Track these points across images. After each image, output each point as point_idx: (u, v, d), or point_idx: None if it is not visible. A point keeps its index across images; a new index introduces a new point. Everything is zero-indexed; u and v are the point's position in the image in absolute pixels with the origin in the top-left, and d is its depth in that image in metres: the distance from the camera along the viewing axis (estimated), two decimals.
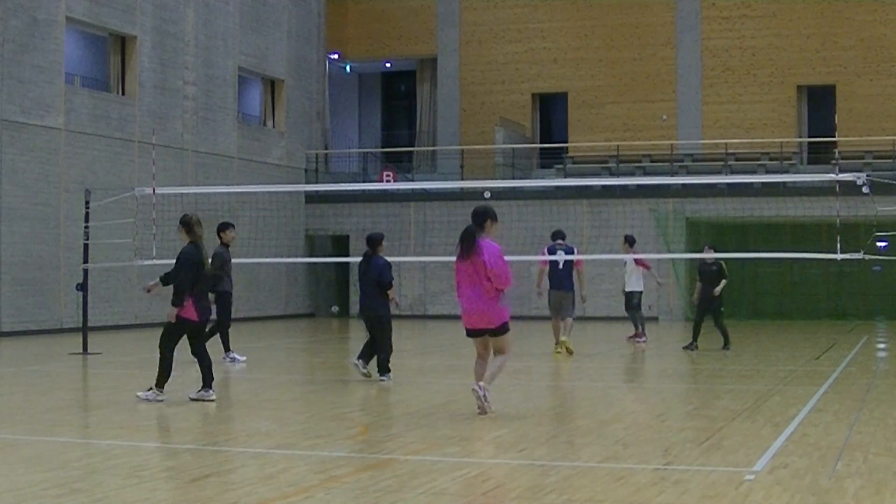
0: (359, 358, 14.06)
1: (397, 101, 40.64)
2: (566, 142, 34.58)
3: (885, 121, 32.01)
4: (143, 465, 8.06)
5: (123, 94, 26.76)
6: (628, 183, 30.12)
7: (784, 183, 29.15)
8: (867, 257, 17.59)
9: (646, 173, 31.89)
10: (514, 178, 31.75)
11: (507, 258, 11.00)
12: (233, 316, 17.81)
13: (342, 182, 32.26)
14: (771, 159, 31.61)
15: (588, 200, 30.49)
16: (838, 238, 16.95)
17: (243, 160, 30.39)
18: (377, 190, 30.53)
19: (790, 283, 32.30)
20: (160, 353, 11.86)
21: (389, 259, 14.31)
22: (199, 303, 11.78)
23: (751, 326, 25.80)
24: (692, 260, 28.01)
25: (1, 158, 23.09)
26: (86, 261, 19.36)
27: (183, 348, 12.11)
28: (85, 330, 18.91)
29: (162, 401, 11.70)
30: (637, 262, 21.43)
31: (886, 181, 22.74)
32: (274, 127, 32.57)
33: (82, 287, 19.63)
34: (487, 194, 28.98)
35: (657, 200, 30.01)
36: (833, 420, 10.41)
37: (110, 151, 25.80)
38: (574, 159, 33.62)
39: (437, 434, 9.60)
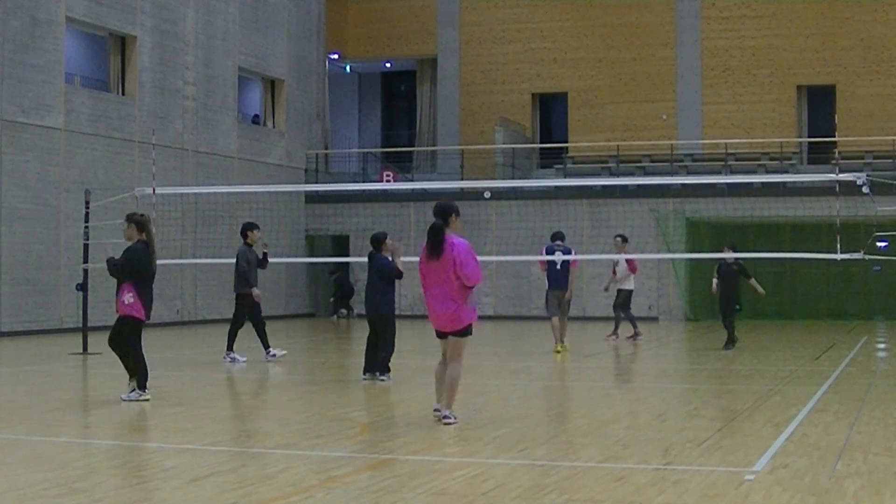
0: (365, 372, 14.09)
1: (397, 101, 40.66)
2: (566, 142, 34.58)
3: (885, 121, 32.02)
4: (143, 465, 8.06)
5: (123, 94, 26.76)
6: (628, 183, 30.12)
7: (784, 183, 29.15)
8: (867, 257, 17.60)
9: (646, 173, 31.89)
10: (514, 178, 31.75)
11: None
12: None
13: (342, 182, 32.26)
14: (771, 159, 31.62)
15: (588, 200, 30.49)
16: (838, 238, 16.95)
17: (243, 160, 30.39)
18: (377, 190, 30.52)
19: (790, 283, 32.30)
20: (133, 355, 11.96)
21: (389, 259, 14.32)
22: (147, 302, 12.04)
23: (751, 326, 25.78)
24: (701, 260, 28.07)
25: (1, 158, 23.08)
26: (86, 261, 19.36)
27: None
28: (85, 330, 18.92)
29: (147, 400, 11.73)
30: (628, 262, 21.53)
31: (886, 181, 22.76)
32: (274, 127, 32.57)
33: (82, 287, 19.63)
34: (487, 194, 29.04)
35: (657, 200, 30.01)
36: (833, 420, 10.41)
37: (110, 151, 25.80)
38: (574, 159, 33.63)
39: (437, 434, 9.60)
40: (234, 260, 17.52)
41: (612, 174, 31.69)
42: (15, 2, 23.33)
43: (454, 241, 10.01)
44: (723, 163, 31.86)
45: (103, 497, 6.98)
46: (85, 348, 18.44)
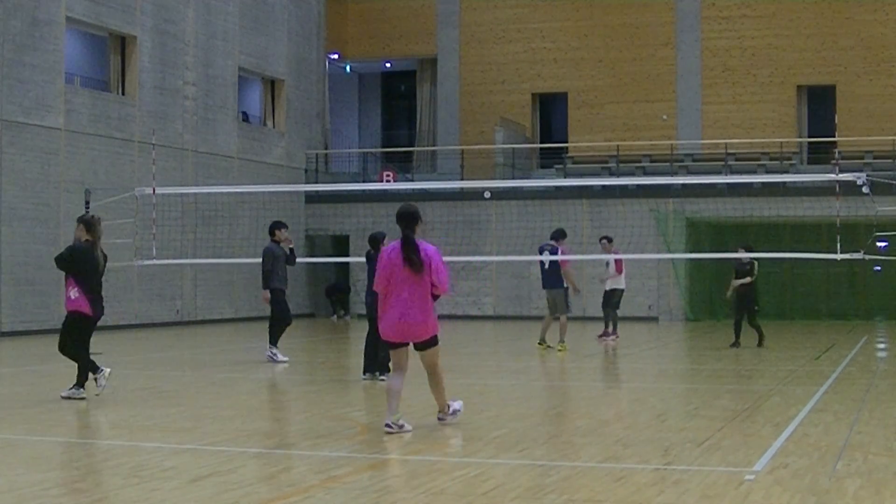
0: (365, 372, 14.09)
1: (397, 101, 40.65)
2: (566, 142, 34.58)
3: (885, 121, 32.02)
4: (143, 465, 8.06)
5: (123, 94, 26.77)
6: (628, 183, 30.12)
7: (784, 183, 29.15)
8: (867, 257, 17.62)
9: (646, 173, 31.88)
10: (514, 178, 31.75)
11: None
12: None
13: (342, 182, 32.26)
14: (771, 159, 31.62)
15: (588, 200, 30.50)
16: (838, 238, 16.96)
17: (243, 160, 30.39)
18: (377, 190, 30.51)
19: (790, 283, 32.29)
20: (79, 353, 12.09)
21: None
22: (93, 299, 12.28)
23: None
24: (700, 260, 28.09)
25: (1, 158, 23.09)
26: None
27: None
28: None
29: (83, 399, 11.89)
30: (616, 262, 21.59)
31: (886, 181, 22.76)
32: (274, 127, 32.57)
33: None
34: (487, 194, 29.05)
35: (657, 200, 30.01)
36: (833, 420, 10.41)
37: (110, 151, 25.80)
38: (574, 159, 33.63)
39: (437, 434, 9.60)
40: (233, 260, 17.53)
41: (612, 174, 31.69)
42: (15, 2, 23.33)
43: (427, 248, 9.72)
44: (723, 163, 31.87)
45: (103, 497, 6.98)
46: None
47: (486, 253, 29.89)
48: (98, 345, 19.45)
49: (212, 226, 28.16)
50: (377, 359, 13.99)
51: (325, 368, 17.32)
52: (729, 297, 20.01)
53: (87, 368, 12.21)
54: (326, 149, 35.33)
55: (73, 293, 12.22)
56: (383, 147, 38.03)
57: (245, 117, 33.42)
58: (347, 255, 30.93)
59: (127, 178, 25.48)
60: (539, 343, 19.05)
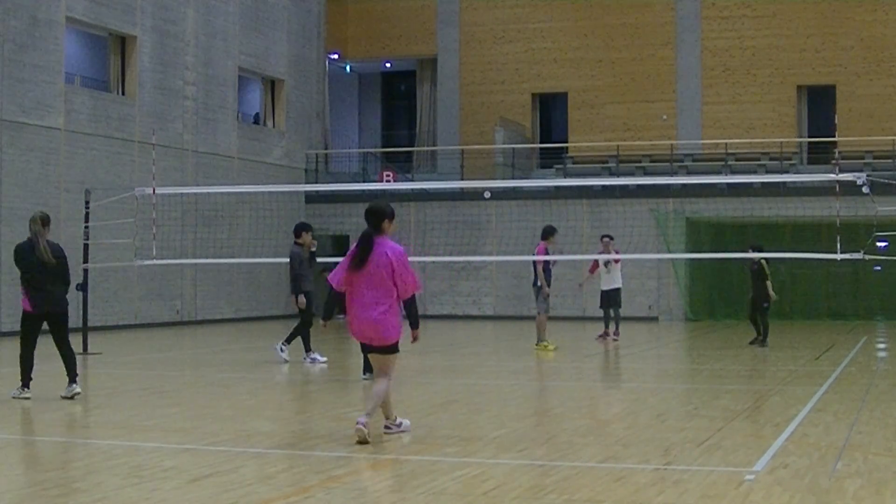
0: (365, 372, 14.08)
1: (397, 101, 40.65)
2: (566, 142, 34.58)
3: (885, 121, 32.02)
4: (143, 465, 8.06)
5: (123, 94, 26.77)
6: (628, 183, 30.12)
7: (784, 183, 29.15)
8: (867, 257, 17.59)
9: (646, 173, 31.88)
10: (514, 178, 31.75)
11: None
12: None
13: (342, 182, 32.24)
14: (771, 159, 31.62)
15: (588, 200, 30.50)
16: (838, 238, 16.95)
17: (243, 160, 30.39)
18: (377, 190, 30.46)
19: (790, 283, 32.29)
20: (21, 349, 12.25)
21: None
22: (32, 295, 12.22)
23: (751, 325, 25.75)
24: (700, 260, 28.10)
25: (1, 158, 23.09)
26: (86, 261, 19.36)
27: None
28: (85, 330, 18.91)
29: (28, 398, 11.92)
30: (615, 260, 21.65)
31: (886, 181, 22.75)
32: (274, 127, 32.57)
33: (82, 287, 19.61)
34: (487, 194, 29.03)
35: (657, 200, 30.02)
36: (833, 420, 10.41)
37: (110, 151, 25.81)
38: (574, 159, 33.63)
39: (437, 434, 9.60)
40: (233, 260, 17.49)
41: (612, 174, 31.69)
42: (15, 2, 23.33)
43: (388, 248, 9.16)
44: (723, 163, 31.87)
45: (103, 497, 6.98)
46: (85, 348, 18.43)
47: (486, 253, 29.89)
48: (98, 345, 19.48)
49: (212, 226, 28.16)
50: None
51: (325, 369, 17.31)
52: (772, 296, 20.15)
53: (28, 367, 12.15)
54: (326, 149, 35.34)
55: (22, 291, 12.28)
56: (383, 147, 38.03)
57: (255, 119, 33.45)
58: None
59: (127, 178, 25.48)
60: (536, 344, 19.02)
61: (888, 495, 7.00)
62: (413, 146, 36.80)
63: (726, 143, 32.34)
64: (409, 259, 9.35)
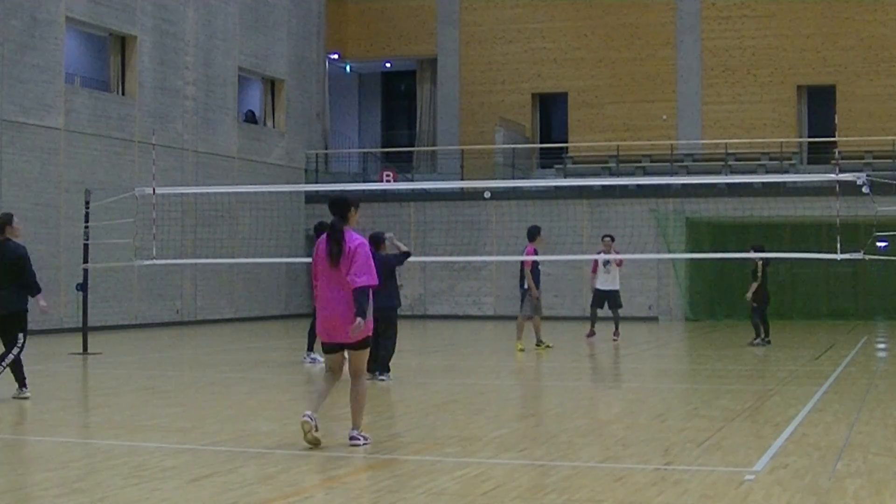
0: (370, 371, 14.07)
1: (397, 101, 40.64)
2: (566, 142, 34.57)
3: (885, 121, 32.01)
4: (143, 465, 8.06)
5: (123, 94, 26.77)
6: (628, 183, 30.11)
7: (784, 183, 29.14)
8: (867, 257, 17.59)
9: (646, 173, 31.88)
10: (514, 178, 31.75)
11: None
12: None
13: (342, 182, 32.22)
14: (771, 159, 31.62)
15: (588, 200, 30.49)
16: (838, 238, 16.95)
17: (243, 160, 30.40)
18: (377, 190, 30.51)
19: (790, 283, 32.29)
20: None
21: None
22: None
23: (751, 326, 25.76)
24: (700, 260, 28.09)
25: (1, 158, 23.09)
26: (86, 261, 19.35)
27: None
28: (85, 330, 18.91)
29: (27, 398, 11.98)
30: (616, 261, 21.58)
31: (886, 181, 22.74)
32: (274, 127, 32.57)
33: (82, 287, 19.63)
34: (487, 194, 29.04)
35: (657, 200, 30.01)
36: (833, 420, 10.41)
37: (110, 151, 25.81)
38: (574, 159, 33.63)
39: (437, 434, 9.60)
40: (233, 260, 17.44)
41: (612, 174, 31.69)
42: (15, 2, 23.33)
43: (352, 240, 8.86)
44: (723, 163, 31.87)
45: (103, 497, 6.98)
46: (85, 348, 18.44)
47: (486, 253, 29.88)
48: (98, 345, 19.48)
49: (212, 226, 28.15)
50: (377, 358, 13.99)
51: (325, 368, 17.29)
52: (747, 297, 20.25)
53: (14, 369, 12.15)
54: (326, 149, 35.34)
55: None
56: (383, 147, 38.02)
57: (247, 116, 33.42)
58: None
59: (127, 178, 25.48)
60: (537, 345, 18.99)
61: (888, 495, 7.01)
62: (413, 146, 36.80)
63: (726, 143, 32.34)
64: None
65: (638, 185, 30.09)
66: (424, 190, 30.39)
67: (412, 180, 33.24)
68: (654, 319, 29.86)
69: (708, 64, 33.89)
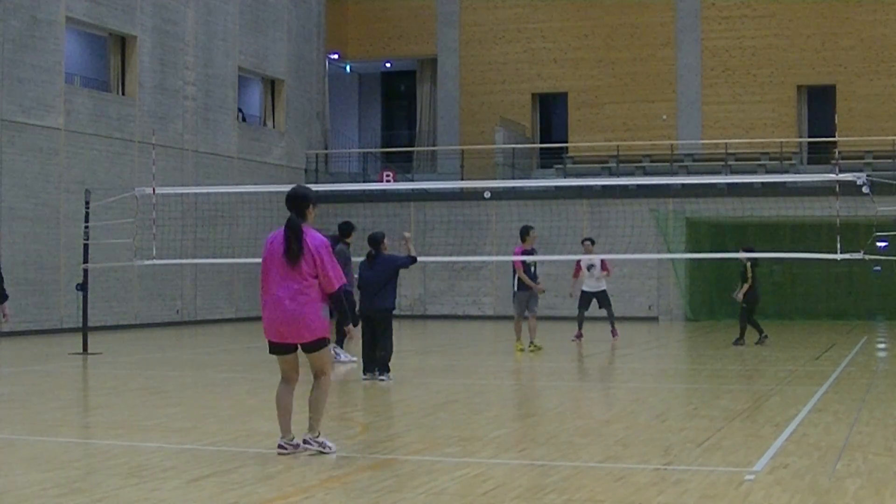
0: (366, 372, 14.07)
1: (397, 101, 40.65)
2: (566, 142, 34.58)
3: (885, 121, 32.02)
4: (143, 465, 8.06)
5: (123, 94, 26.77)
6: (628, 183, 30.12)
7: (784, 183, 29.14)
8: (867, 257, 17.59)
9: (646, 173, 31.88)
10: (514, 178, 31.75)
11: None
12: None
13: (342, 182, 32.24)
14: (771, 159, 31.62)
15: (588, 200, 30.49)
16: (838, 238, 16.95)
17: (243, 160, 30.40)
18: (377, 190, 30.51)
19: (790, 283, 32.29)
20: None
21: None
22: None
23: (751, 326, 25.76)
24: (700, 259, 28.10)
25: (1, 158, 23.09)
26: (86, 261, 19.35)
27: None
28: (85, 330, 18.91)
29: None
30: (602, 262, 21.47)
31: (886, 181, 22.74)
32: (274, 127, 32.57)
33: (82, 287, 19.62)
34: (487, 194, 29.04)
35: (657, 200, 30.01)
36: (833, 420, 10.41)
37: (110, 151, 25.81)
38: (574, 159, 33.64)
39: (437, 434, 9.60)
40: (233, 260, 17.43)
41: (612, 174, 31.69)
42: (15, 2, 23.33)
43: (311, 237, 8.42)
44: (723, 163, 31.87)
45: (103, 497, 6.98)
46: (85, 348, 18.44)
47: (486, 253, 29.88)
48: (98, 345, 19.48)
49: (212, 226, 28.15)
50: (376, 358, 14.00)
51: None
52: (734, 296, 20.27)
53: None
54: (326, 149, 35.34)
55: None
56: (383, 147, 38.03)
57: (240, 112, 33.39)
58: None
59: (127, 178, 25.48)
60: (530, 346, 18.88)
61: (888, 495, 7.00)
62: (413, 146, 36.81)
63: (726, 143, 32.33)
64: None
65: (638, 185, 30.09)
66: (424, 190, 30.40)
67: (412, 180, 33.25)
68: (654, 319, 29.86)
69: (708, 64, 33.89)
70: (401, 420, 10.82)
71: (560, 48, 35.03)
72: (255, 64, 31.12)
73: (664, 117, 34.00)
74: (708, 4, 33.95)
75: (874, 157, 30.80)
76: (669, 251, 28.80)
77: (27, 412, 11.28)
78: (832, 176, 18.43)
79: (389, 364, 14.03)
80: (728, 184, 29.49)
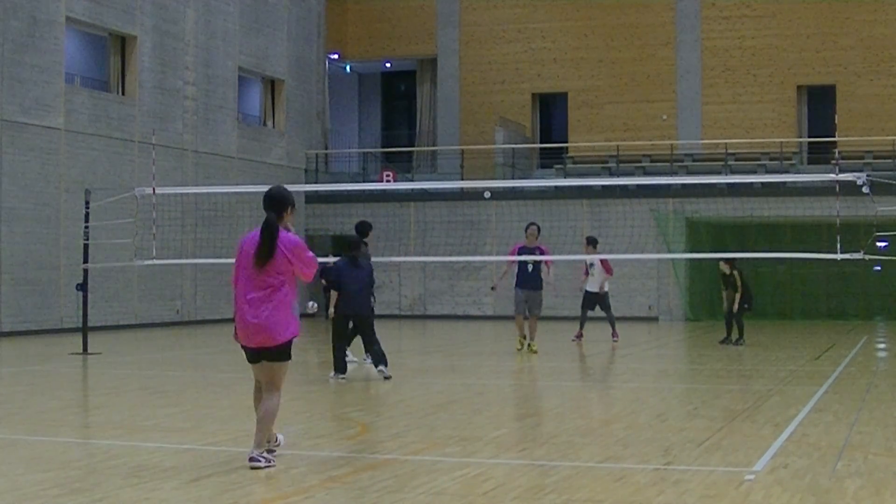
0: (336, 372, 14.10)
1: (397, 101, 40.64)
2: (566, 142, 34.58)
3: (885, 121, 32.02)
4: (143, 465, 8.06)
5: (123, 94, 26.76)
6: (628, 183, 30.12)
7: (784, 183, 29.14)
8: (867, 257, 17.57)
9: (646, 173, 31.88)
10: (514, 178, 31.75)
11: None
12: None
13: (342, 182, 32.24)
14: (771, 159, 31.61)
15: (588, 200, 30.50)
16: (838, 238, 16.94)
17: (243, 160, 30.39)
18: (377, 190, 30.51)
19: (790, 283, 32.29)
20: None
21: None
22: None
23: (751, 326, 25.77)
24: (700, 260, 28.10)
25: (1, 158, 23.08)
26: (86, 261, 19.35)
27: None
28: (85, 330, 18.91)
29: None
30: (603, 263, 21.43)
31: (886, 181, 22.73)
32: (274, 127, 32.57)
33: (82, 287, 19.62)
34: (487, 194, 29.04)
35: (657, 200, 30.02)
36: (833, 420, 10.41)
37: (110, 151, 25.80)
38: (574, 159, 33.63)
39: (437, 434, 9.60)
40: (233, 260, 17.32)
41: (612, 174, 31.69)
42: (15, 2, 23.33)
43: (283, 240, 8.09)
44: (723, 163, 31.87)
45: (103, 497, 6.98)
46: (85, 348, 18.44)
47: (486, 253, 29.88)
48: (98, 345, 19.48)
49: (212, 226, 28.15)
50: (372, 352, 14.08)
51: (324, 368, 17.31)
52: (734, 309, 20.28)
53: None
54: (326, 149, 35.33)
55: None
56: (383, 147, 38.03)
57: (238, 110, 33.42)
58: None
59: (127, 178, 25.48)
60: (529, 346, 18.82)
61: (888, 495, 7.00)
62: (413, 146, 36.80)
63: (726, 143, 32.33)
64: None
65: (638, 185, 30.09)
66: (424, 190, 30.40)
67: (412, 180, 33.24)
68: (654, 319, 29.86)
69: (708, 64, 33.88)
70: (401, 420, 10.82)
71: (560, 48, 35.02)
72: (255, 64, 31.11)
73: (664, 117, 34.00)
74: (708, 4, 33.94)
75: (874, 157, 30.80)
76: (669, 251, 28.81)
77: (27, 412, 11.28)
78: (832, 176, 18.41)
79: (387, 360, 14.11)
80: (728, 184, 29.49)
